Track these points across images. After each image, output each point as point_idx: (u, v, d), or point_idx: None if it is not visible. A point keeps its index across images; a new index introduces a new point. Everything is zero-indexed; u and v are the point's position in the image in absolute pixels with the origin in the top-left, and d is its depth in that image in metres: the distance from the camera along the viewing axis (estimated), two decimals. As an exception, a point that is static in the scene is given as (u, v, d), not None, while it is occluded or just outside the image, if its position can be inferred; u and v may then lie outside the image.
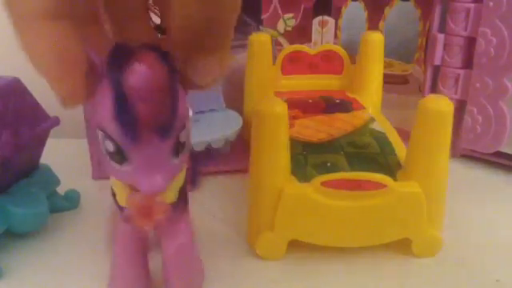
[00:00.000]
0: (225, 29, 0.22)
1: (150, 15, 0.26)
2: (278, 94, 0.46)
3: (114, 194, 0.26)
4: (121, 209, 0.25)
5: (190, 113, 0.45)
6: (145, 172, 0.22)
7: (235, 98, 0.49)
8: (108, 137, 0.22)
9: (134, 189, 0.24)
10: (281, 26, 0.53)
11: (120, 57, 0.21)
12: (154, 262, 0.29)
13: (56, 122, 0.37)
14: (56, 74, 0.20)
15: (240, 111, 0.47)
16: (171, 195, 0.25)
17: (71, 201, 0.39)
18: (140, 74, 0.20)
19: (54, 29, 0.19)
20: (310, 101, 0.45)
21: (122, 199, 0.25)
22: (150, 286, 0.29)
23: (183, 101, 0.23)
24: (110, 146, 0.22)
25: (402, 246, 0.33)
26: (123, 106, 0.20)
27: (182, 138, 0.23)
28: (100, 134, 0.22)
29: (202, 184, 0.29)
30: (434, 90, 0.48)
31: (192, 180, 0.29)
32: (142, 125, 0.21)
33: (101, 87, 0.21)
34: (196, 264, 0.30)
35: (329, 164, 0.34)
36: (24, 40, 0.20)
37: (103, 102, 0.21)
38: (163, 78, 0.21)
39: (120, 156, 0.22)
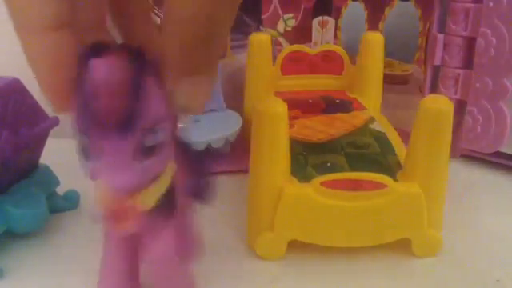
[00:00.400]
0: (215, 47, 0.22)
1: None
2: (277, 93, 0.46)
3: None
4: (98, 213, 0.25)
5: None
6: (103, 170, 0.22)
7: (235, 98, 0.49)
8: (76, 133, 0.21)
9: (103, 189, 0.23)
10: (281, 26, 0.53)
11: (88, 54, 0.20)
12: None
13: (56, 122, 0.37)
14: (51, 81, 0.21)
15: (240, 111, 0.47)
16: (146, 201, 0.24)
17: (71, 201, 0.39)
18: (98, 69, 0.20)
19: (55, 39, 0.20)
20: (310, 101, 0.45)
21: (97, 201, 0.24)
22: (139, 283, 0.29)
23: (157, 104, 0.22)
24: (79, 143, 0.22)
25: (402, 246, 0.33)
26: (82, 102, 0.20)
27: (149, 143, 0.22)
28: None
29: (214, 195, 0.28)
30: (433, 90, 0.48)
31: (198, 194, 0.29)
32: (96, 120, 0.20)
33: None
34: (180, 273, 0.28)
35: (329, 164, 0.34)
36: (25, 48, 0.21)
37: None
38: (124, 75, 0.20)
39: (84, 153, 0.22)
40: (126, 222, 0.23)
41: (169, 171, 0.25)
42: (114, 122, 0.20)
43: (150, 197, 0.24)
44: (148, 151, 0.22)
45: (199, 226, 0.35)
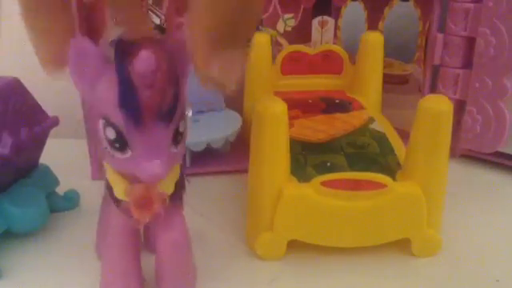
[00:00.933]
0: (248, 28, 0.23)
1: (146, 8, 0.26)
2: (277, 93, 0.46)
3: (109, 188, 0.26)
4: (117, 202, 0.26)
5: (190, 113, 0.45)
6: (146, 158, 0.22)
7: (235, 98, 0.49)
8: (110, 124, 0.22)
9: (132, 181, 0.24)
10: (281, 26, 0.53)
11: (126, 47, 0.21)
12: (144, 261, 0.29)
13: (56, 122, 0.37)
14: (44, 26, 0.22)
15: (240, 111, 0.47)
16: (169, 186, 0.26)
17: (71, 201, 0.39)
18: (145, 61, 0.21)
19: None
20: (310, 101, 0.45)
21: (120, 192, 0.25)
22: (142, 281, 0.29)
23: (184, 90, 0.23)
24: (112, 133, 0.22)
25: (402, 246, 0.33)
26: (128, 93, 0.21)
27: (182, 128, 0.24)
28: (101, 122, 0.23)
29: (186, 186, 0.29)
30: (433, 90, 0.48)
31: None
32: (145, 110, 0.21)
33: (105, 77, 0.22)
34: (190, 260, 0.30)
35: (328, 164, 0.34)
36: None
37: (108, 90, 0.22)
38: (166, 66, 0.21)
39: (121, 143, 0.22)
40: (155, 208, 0.24)
41: (180, 159, 0.26)
42: (160, 111, 0.22)
43: (170, 183, 0.26)
44: (180, 137, 0.24)
45: (199, 226, 0.35)
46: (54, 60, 0.23)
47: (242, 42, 0.22)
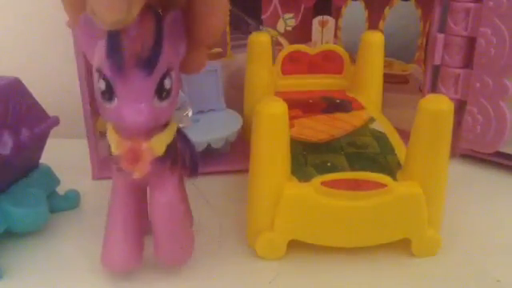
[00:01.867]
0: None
1: None
2: (278, 94, 0.46)
3: (108, 147, 0.28)
4: (114, 158, 0.27)
5: (190, 113, 0.45)
6: (127, 105, 0.24)
7: (235, 98, 0.49)
8: (101, 75, 0.25)
9: (123, 136, 0.26)
10: (281, 26, 0.53)
11: None
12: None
13: (56, 122, 0.37)
14: None
15: (240, 111, 0.47)
16: (158, 147, 0.27)
17: (71, 201, 0.39)
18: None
19: None
20: (310, 101, 0.45)
21: (115, 147, 0.27)
22: (142, 244, 0.31)
23: (171, 51, 0.25)
24: (103, 85, 0.25)
25: (402, 246, 0.33)
26: (114, 43, 0.23)
27: (167, 85, 0.25)
28: (96, 75, 0.25)
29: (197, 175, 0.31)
30: (434, 89, 0.48)
31: (192, 167, 0.32)
32: (126, 58, 0.23)
33: (104, 36, 0.24)
34: (184, 224, 0.31)
35: (329, 164, 0.34)
36: None
37: (103, 46, 0.24)
38: (149, 19, 0.24)
39: (109, 93, 0.25)
40: (142, 163, 0.26)
41: (173, 125, 0.28)
42: (140, 59, 0.24)
43: (161, 143, 0.27)
44: (165, 93, 0.25)
45: (199, 226, 0.35)
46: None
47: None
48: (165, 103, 0.25)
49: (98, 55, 0.25)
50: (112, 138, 0.27)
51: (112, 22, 0.22)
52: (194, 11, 0.25)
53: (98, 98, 0.25)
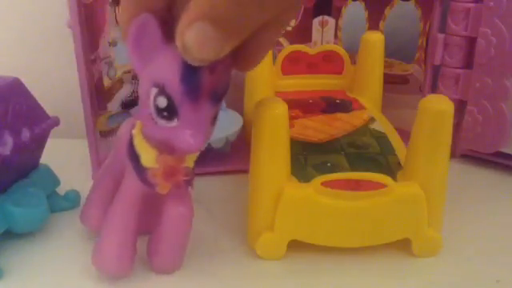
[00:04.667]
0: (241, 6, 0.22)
1: None
2: (278, 94, 0.46)
3: (136, 158, 0.28)
4: (142, 170, 0.27)
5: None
6: (191, 130, 0.24)
7: (235, 98, 0.49)
8: (164, 93, 0.24)
9: (162, 151, 0.27)
10: (281, 26, 0.53)
11: None
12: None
13: (56, 122, 0.37)
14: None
15: (240, 111, 0.47)
16: (191, 163, 0.28)
17: (71, 201, 0.39)
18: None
19: None
20: (310, 101, 0.45)
21: (148, 160, 0.27)
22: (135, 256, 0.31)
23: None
24: (163, 102, 0.24)
25: (402, 246, 0.33)
26: (190, 71, 0.23)
27: (218, 111, 0.26)
28: (154, 90, 0.24)
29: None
30: (434, 90, 0.48)
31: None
32: (203, 90, 0.24)
33: (166, 51, 0.24)
34: (187, 239, 0.31)
35: (329, 164, 0.34)
36: None
37: (169, 63, 0.24)
38: (228, 56, 0.23)
39: (170, 113, 0.24)
40: (179, 178, 0.27)
41: None
42: (216, 93, 0.25)
43: (192, 159, 0.28)
44: (216, 118, 0.26)
45: (199, 226, 0.35)
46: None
47: (226, 24, 0.22)
48: (214, 127, 0.26)
49: (162, 70, 0.24)
50: (145, 149, 0.27)
51: (202, 59, 0.22)
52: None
53: (150, 112, 0.25)
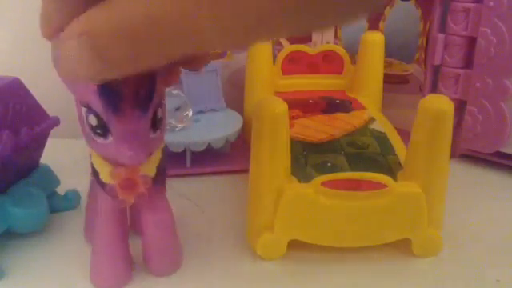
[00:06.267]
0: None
1: None
2: (278, 94, 0.46)
3: (96, 173, 0.27)
4: (103, 185, 0.27)
5: (191, 113, 0.45)
6: (125, 143, 0.24)
7: (235, 98, 0.49)
8: (92, 111, 0.24)
9: (115, 164, 0.26)
10: (281, 26, 0.53)
11: None
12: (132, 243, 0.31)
13: (56, 121, 0.37)
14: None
15: (240, 111, 0.47)
16: (151, 169, 0.27)
17: (71, 201, 0.39)
18: None
19: None
20: (311, 101, 0.45)
21: (105, 175, 0.27)
22: (131, 262, 0.31)
23: (160, 79, 0.24)
24: (94, 120, 0.24)
25: (402, 246, 0.33)
26: (107, 85, 0.22)
27: (160, 114, 0.25)
28: (84, 110, 0.24)
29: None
30: (434, 89, 0.48)
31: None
32: (122, 98, 0.23)
33: None
34: (175, 240, 0.31)
35: (329, 164, 0.34)
36: None
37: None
38: None
39: (102, 129, 0.24)
40: (139, 189, 0.27)
41: (162, 144, 0.28)
42: (137, 99, 0.23)
43: (152, 166, 0.27)
44: (159, 123, 0.25)
45: (199, 226, 0.35)
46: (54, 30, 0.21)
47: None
48: (158, 132, 0.26)
49: (85, 88, 0.24)
50: (100, 166, 0.27)
51: (69, 76, 0.19)
52: None
53: (87, 131, 0.25)
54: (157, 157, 0.28)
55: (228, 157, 0.46)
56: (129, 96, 0.23)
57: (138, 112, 0.24)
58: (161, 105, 0.25)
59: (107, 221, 0.29)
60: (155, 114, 0.25)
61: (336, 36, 0.54)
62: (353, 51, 0.48)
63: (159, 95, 0.25)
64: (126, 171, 0.26)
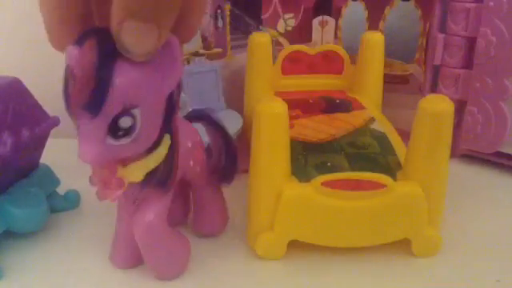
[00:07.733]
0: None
1: None
2: (278, 93, 0.46)
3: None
4: (91, 179, 0.28)
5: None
6: (80, 142, 0.24)
7: (235, 97, 0.49)
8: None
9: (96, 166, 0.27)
10: (281, 26, 0.53)
11: (76, 41, 0.23)
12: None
13: (56, 121, 0.37)
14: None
15: (240, 111, 0.47)
16: (134, 175, 0.27)
17: (71, 201, 0.39)
18: (71, 54, 0.23)
19: None
20: (310, 101, 0.45)
21: (91, 175, 0.28)
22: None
23: (131, 88, 0.23)
24: None
25: (402, 246, 0.33)
26: (64, 81, 0.23)
27: (124, 124, 0.24)
28: None
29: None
30: (434, 89, 0.48)
31: (224, 175, 0.34)
32: (70, 100, 0.23)
33: None
34: (168, 244, 0.30)
35: (329, 164, 0.34)
36: None
37: None
38: (92, 60, 0.22)
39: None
40: (113, 191, 0.27)
41: (162, 150, 0.27)
42: (83, 102, 0.23)
43: (138, 171, 0.27)
44: (123, 131, 0.24)
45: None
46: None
47: (159, 16, 0.22)
48: (124, 140, 0.24)
49: None
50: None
51: (142, 53, 0.22)
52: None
53: None
54: (148, 161, 0.27)
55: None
56: (74, 97, 0.23)
57: (86, 115, 0.23)
58: (129, 114, 0.24)
59: (122, 214, 0.31)
60: (115, 121, 0.24)
61: (336, 36, 0.54)
62: (353, 51, 0.48)
63: (125, 103, 0.23)
64: (100, 172, 0.27)
